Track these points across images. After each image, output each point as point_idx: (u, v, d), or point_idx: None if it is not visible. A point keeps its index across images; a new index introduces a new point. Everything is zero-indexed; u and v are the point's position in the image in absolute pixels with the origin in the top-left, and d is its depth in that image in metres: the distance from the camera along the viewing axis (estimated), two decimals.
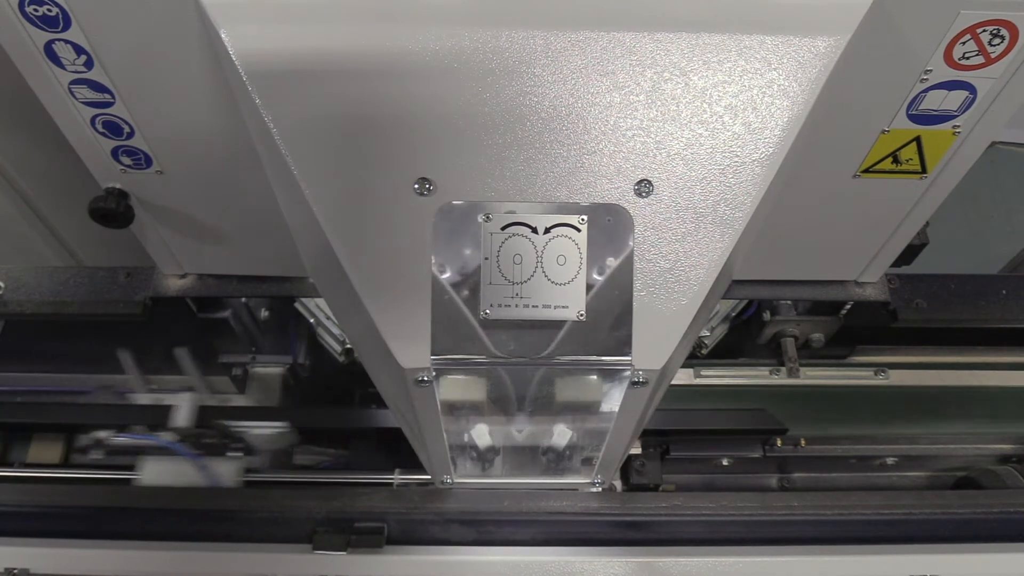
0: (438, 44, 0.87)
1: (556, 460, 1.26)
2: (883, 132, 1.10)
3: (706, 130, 0.88)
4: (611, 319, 0.90)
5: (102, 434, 1.49)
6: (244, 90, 0.88)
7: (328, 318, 1.68)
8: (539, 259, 0.90)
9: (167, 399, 1.57)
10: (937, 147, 1.13)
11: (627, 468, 1.52)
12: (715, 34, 0.87)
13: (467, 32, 0.87)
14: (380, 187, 0.89)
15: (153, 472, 1.45)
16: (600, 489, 1.35)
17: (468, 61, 0.87)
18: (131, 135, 1.10)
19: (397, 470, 1.49)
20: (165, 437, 1.45)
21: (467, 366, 0.93)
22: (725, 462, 1.63)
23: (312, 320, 1.69)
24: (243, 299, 1.65)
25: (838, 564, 1.38)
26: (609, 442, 1.15)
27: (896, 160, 1.15)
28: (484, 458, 1.26)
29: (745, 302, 1.70)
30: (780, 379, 1.69)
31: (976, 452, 1.65)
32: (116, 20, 0.95)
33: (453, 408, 1.05)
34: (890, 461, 1.65)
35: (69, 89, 1.03)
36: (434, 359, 0.90)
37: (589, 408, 1.04)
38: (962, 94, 1.04)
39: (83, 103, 1.06)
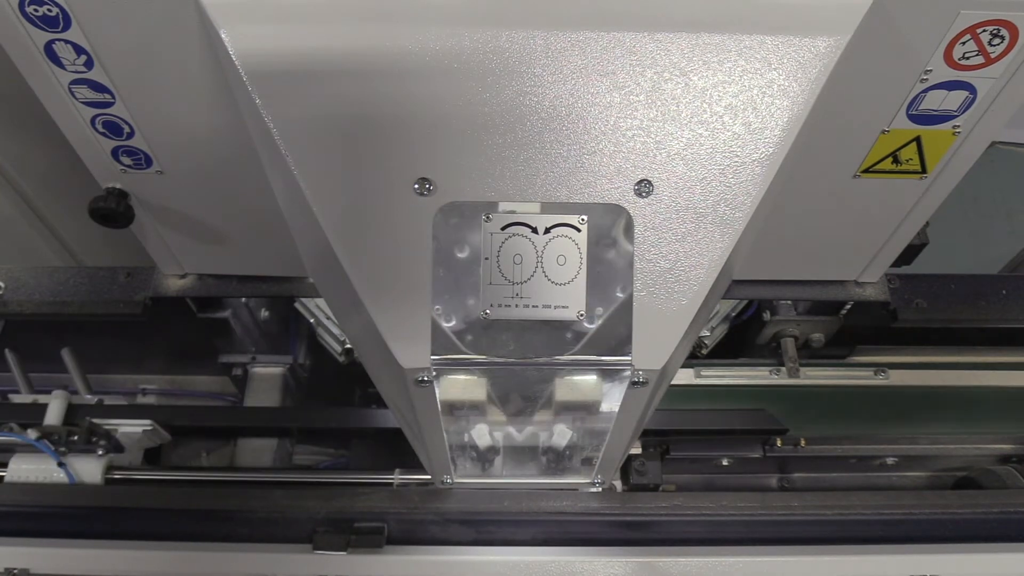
0: (438, 44, 0.87)
1: (556, 460, 1.26)
2: (883, 132, 1.10)
3: (706, 130, 0.88)
4: (611, 319, 0.90)
5: None
6: (244, 90, 0.88)
7: (328, 318, 1.68)
8: (539, 259, 0.89)
9: (43, 398, 1.58)
10: (937, 147, 1.13)
11: (627, 468, 1.52)
12: (715, 34, 0.87)
13: (467, 32, 0.87)
14: (380, 187, 0.89)
15: (17, 469, 1.45)
16: (600, 489, 1.35)
17: (468, 61, 0.87)
18: (131, 135, 1.10)
19: (397, 470, 1.49)
20: (31, 435, 1.45)
21: (467, 366, 0.93)
22: (725, 462, 1.63)
23: (312, 320, 1.69)
24: (243, 299, 1.65)
25: (838, 564, 1.38)
26: (609, 442, 1.15)
27: (896, 160, 1.15)
28: (484, 458, 1.26)
29: (745, 302, 1.70)
30: (780, 379, 1.69)
31: (976, 452, 1.65)
32: (116, 20, 0.95)
33: (453, 408, 1.04)
34: (890, 461, 1.65)
35: (69, 89, 1.03)
36: (434, 359, 0.90)
37: (589, 408, 1.04)
38: (962, 94, 1.04)
39: (83, 103, 1.06)
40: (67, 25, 0.95)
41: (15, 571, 1.33)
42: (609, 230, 0.89)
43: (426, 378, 0.92)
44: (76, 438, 1.46)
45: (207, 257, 1.39)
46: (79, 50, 0.98)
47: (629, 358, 0.91)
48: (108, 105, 1.06)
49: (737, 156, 0.88)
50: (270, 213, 1.10)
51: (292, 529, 1.37)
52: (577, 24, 0.87)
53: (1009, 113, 1.07)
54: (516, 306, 0.90)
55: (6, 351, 1.69)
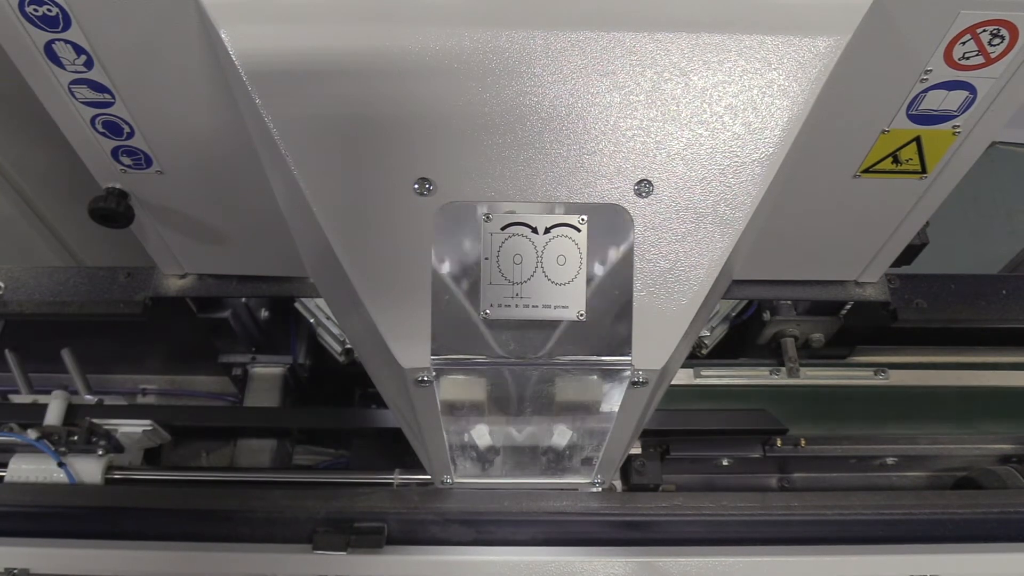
0: (438, 44, 0.87)
1: (556, 460, 1.26)
2: (883, 132, 1.10)
3: (706, 130, 0.88)
4: (611, 319, 0.90)
5: None
6: (244, 90, 0.88)
7: (328, 318, 1.68)
8: (539, 259, 0.89)
9: (43, 398, 1.58)
10: (937, 147, 1.13)
11: (627, 468, 1.52)
12: (715, 34, 0.87)
13: (467, 32, 0.87)
14: (380, 187, 0.89)
15: (17, 469, 1.45)
16: (600, 489, 1.35)
17: (468, 61, 0.87)
18: (131, 135, 1.10)
19: (397, 470, 1.49)
20: (31, 435, 1.45)
21: (467, 366, 0.93)
22: (725, 462, 1.63)
23: (312, 320, 1.69)
24: (243, 299, 1.65)
25: (838, 564, 1.38)
26: (609, 442, 1.15)
27: (896, 160, 1.15)
28: (484, 458, 1.26)
29: (745, 302, 1.70)
30: (780, 379, 1.69)
31: (976, 452, 1.65)
32: (116, 20, 0.95)
33: (453, 408, 1.04)
34: (890, 461, 1.65)
35: (69, 89, 1.03)
36: (434, 359, 0.90)
37: (589, 408, 1.04)
38: (962, 94, 1.04)
39: (83, 103, 1.06)
40: (67, 25, 0.95)
41: (15, 571, 1.33)
42: (609, 230, 0.89)
43: (426, 378, 0.92)
44: (76, 438, 1.46)
45: (207, 257, 1.39)
46: (79, 50, 0.98)
47: (629, 358, 0.91)
48: (108, 105, 1.06)
49: (737, 156, 0.88)
50: (270, 213, 1.10)
51: (292, 529, 1.37)
52: (577, 24, 0.87)
53: (1009, 113, 1.07)
54: (516, 306, 0.90)
55: (6, 351, 1.69)
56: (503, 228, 0.89)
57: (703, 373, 1.69)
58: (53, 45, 0.97)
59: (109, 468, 1.47)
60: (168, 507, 1.39)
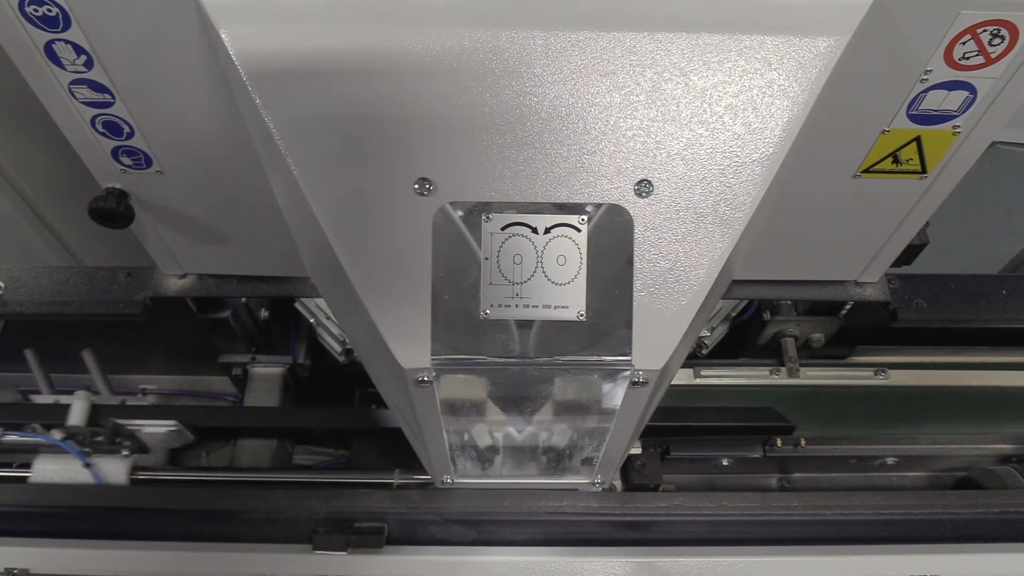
0: (438, 44, 0.87)
1: (556, 460, 1.26)
2: (883, 132, 1.10)
3: (706, 130, 0.88)
4: (611, 319, 0.90)
5: None
6: (244, 90, 0.88)
7: (328, 318, 1.68)
8: (539, 259, 0.90)
9: (64, 399, 1.58)
10: (937, 147, 1.13)
11: (627, 468, 1.52)
12: (715, 34, 0.87)
13: (467, 32, 0.87)
14: (380, 187, 0.89)
15: (43, 470, 1.45)
16: (600, 489, 1.35)
17: (468, 61, 0.87)
18: (131, 135, 1.10)
19: (397, 470, 1.49)
20: (56, 435, 1.45)
21: (467, 366, 0.93)
22: (725, 462, 1.63)
23: (312, 320, 1.69)
24: (243, 299, 1.65)
25: (838, 564, 1.38)
26: (609, 442, 1.15)
27: (896, 160, 1.15)
28: (484, 458, 1.26)
29: (745, 302, 1.70)
30: (780, 379, 1.69)
31: (976, 452, 1.65)
32: (116, 20, 0.95)
33: (453, 408, 1.04)
34: (890, 461, 1.65)
35: (69, 89, 1.03)
36: (434, 359, 0.90)
37: (589, 408, 1.04)
38: (962, 94, 1.04)
39: (83, 103, 1.06)
40: (67, 25, 0.95)
41: (15, 571, 1.33)
42: (609, 230, 0.89)
43: (426, 378, 0.92)
44: (101, 439, 1.45)
45: (207, 257, 1.39)
46: (79, 50, 0.98)
47: (629, 358, 0.91)
48: (108, 105, 1.06)
49: (737, 156, 0.88)
50: (270, 213, 1.10)
51: (292, 529, 1.37)
52: (577, 24, 0.87)
53: (1009, 113, 1.07)
54: (516, 306, 0.90)
55: (26, 352, 1.69)
56: (503, 228, 0.89)
57: (703, 373, 1.69)
58: (53, 45, 0.97)
59: (134, 469, 1.47)
60: (168, 507, 1.39)
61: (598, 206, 0.89)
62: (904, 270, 1.49)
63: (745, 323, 1.73)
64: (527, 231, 0.89)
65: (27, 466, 1.47)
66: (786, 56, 0.88)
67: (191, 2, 0.90)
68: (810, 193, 1.21)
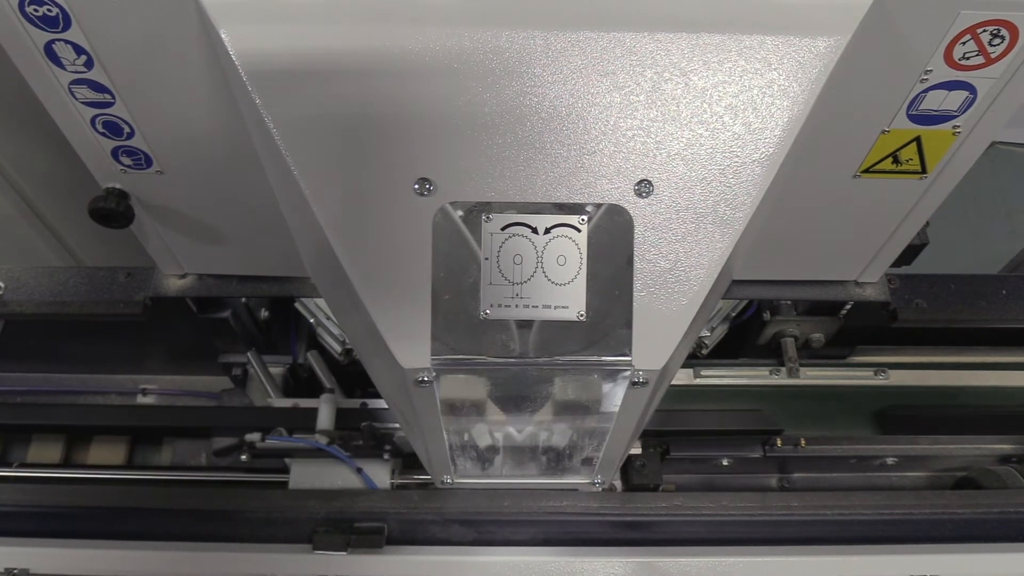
0: (438, 44, 0.87)
1: (556, 460, 1.26)
2: (883, 132, 1.10)
3: (706, 130, 0.88)
4: (611, 319, 0.90)
5: (250, 436, 1.47)
6: (244, 90, 0.88)
7: (328, 318, 1.68)
8: (539, 259, 0.89)
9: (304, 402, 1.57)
10: (937, 147, 1.13)
11: (627, 468, 1.52)
12: (715, 34, 0.87)
13: (467, 32, 0.87)
14: (380, 187, 0.89)
15: (303, 474, 1.44)
16: (600, 489, 1.35)
17: (468, 61, 0.87)
18: (131, 135, 1.10)
19: (397, 470, 1.49)
20: (319, 440, 1.43)
21: (467, 366, 0.93)
22: (725, 462, 1.63)
23: (312, 320, 1.69)
24: (243, 299, 1.65)
25: (838, 564, 1.38)
26: (609, 442, 1.15)
27: (896, 160, 1.15)
28: (484, 458, 1.26)
29: (745, 302, 1.70)
30: (780, 379, 1.69)
31: (976, 452, 1.65)
32: (116, 20, 0.95)
33: (453, 408, 1.05)
34: (890, 461, 1.65)
35: (69, 89, 1.03)
36: (434, 359, 0.90)
37: (589, 408, 1.04)
38: (962, 94, 1.04)
39: (83, 103, 1.06)
40: (67, 25, 0.95)
41: (15, 571, 1.33)
42: (609, 230, 0.89)
43: (426, 378, 0.92)
44: (361, 443, 1.44)
45: (207, 257, 1.39)
46: (79, 50, 0.98)
47: (629, 358, 0.91)
48: (108, 105, 1.06)
49: (737, 156, 0.88)
50: (270, 213, 1.10)
51: (292, 529, 1.37)
52: (577, 24, 0.87)
53: (1009, 113, 1.07)
54: (516, 306, 0.90)
55: (248, 353, 1.70)
56: (503, 228, 0.89)
57: (703, 373, 1.69)
58: (53, 45, 0.97)
59: (393, 472, 1.45)
60: (168, 507, 1.39)
61: (598, 206, 0.89)
62: (904, 270, 1.49)
63: (745, 323, 1.73)
64: (527, 231, 0.89)
65: (271, 471, 1.46)
66: (786, 56, 0.88)
67: (191, 2, 0.90)
68: (810, 193, 1.21)
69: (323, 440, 1.44)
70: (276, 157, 0.89)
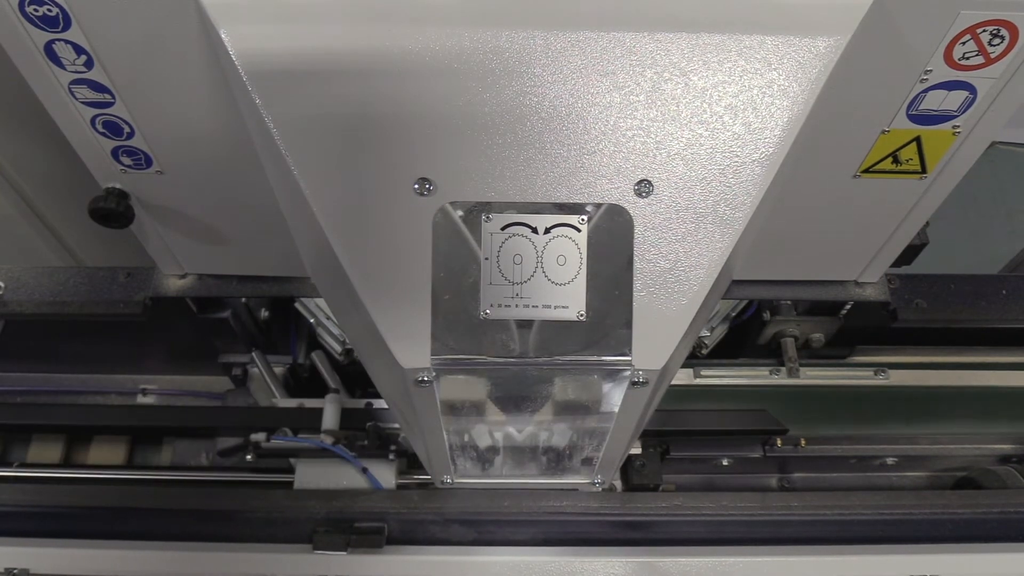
0: (438, 44, 0.87)
1: (556, 460, 1.26)
2: (883, 132, 1.10)
3: (706, 130, 0.88)
4: (611, 319, 0.90)
5: (255, 436, 1.47)
6: (244, 90, 0.88)
7: (328, 318, 1.68)
8: (539, 259, 0.89)
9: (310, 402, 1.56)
10: (937, 147, 1.13)
11: (627, 468, 1.52)
12: (715, 34, 0.87)
13: (467, 32, 0.87)
14: (380, 187, 0.89)
15: (307, 474, 1.44)
16: (600, 489, 1.35)
17: (468, 61, 0.87)
18: (131, 135, 1.10)
19: (397, 470, 1.49)
20: (324, 440, 1.43)
21: (467, 366, 0.93)
22: (725, 462, 1.63)
23: (312, 320, 1.69)
24: (243, 299, 1.65)
25: (838, 564, 1.38)
26: (609, 442, 1.15)
27: (896, 160, 1.15)
28: (484, 458, 1.26)
29: (745, 302, 1.70)
30: (780, 379, 1.69)
31: (976, 452, 1.65)
32: (116, 20, 0.95)
33: (453, 408, 1.04)
34: (890, 461, 1.65)
35: (69, 89, 1.03)
36: (434, 359, 0.90)
37: (589, 408, 1.04)
38: (962, 94, 1.04)
39: (83, 103, 1.06)
40: (67, 25, 0.95)
41: (15, 571, 1.33)
42: (609, 230, 0.89)
43: (426, 378, 0.92)
44: (367, 443, 1.43)
45: (207, 257, 1.39)
46: (79, 50, 0.98)
47: (629, 358, 0.91)
48: (108, 105, 1.06)
49: (737, 156, 0.88)
50: (270, 213, 1.10)
51: (292, 529, 1.38)
52: (577, 24, 0.87)
53: (1009, 113, 1.07)
54: (516, 306, 0.90)
55: (253, 354, 1.70)
56: (503, 228, 0.89)
57: (703, 373, 1.69)
58: (53, 45, 0.97)
59: (399, 473, 1.45)
60: (168, 507, 1.39)
61: (598, 206, 0.89)
62: (904, 270, 1.49)
63: (745, 323, 1.73)
64: (527, 231, 0.89)
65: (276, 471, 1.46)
66: (786, 56, 0.88)
67: (191, 2, 0.90)
68: (810, 193, 1.21)
69: (328, 440, 1.44)
70: (276, 157, 0.89)
